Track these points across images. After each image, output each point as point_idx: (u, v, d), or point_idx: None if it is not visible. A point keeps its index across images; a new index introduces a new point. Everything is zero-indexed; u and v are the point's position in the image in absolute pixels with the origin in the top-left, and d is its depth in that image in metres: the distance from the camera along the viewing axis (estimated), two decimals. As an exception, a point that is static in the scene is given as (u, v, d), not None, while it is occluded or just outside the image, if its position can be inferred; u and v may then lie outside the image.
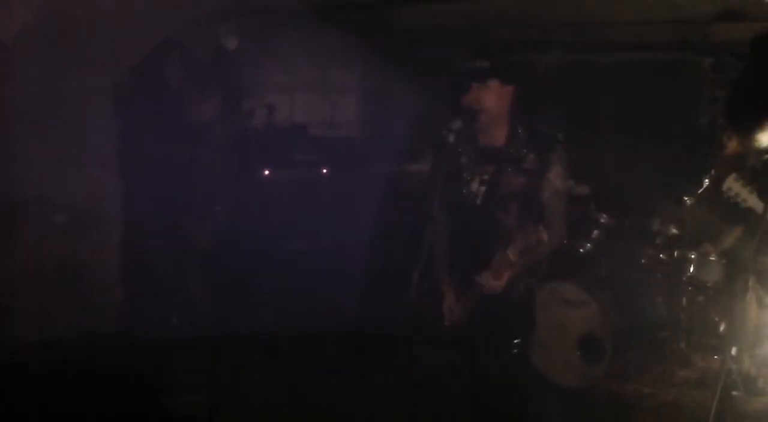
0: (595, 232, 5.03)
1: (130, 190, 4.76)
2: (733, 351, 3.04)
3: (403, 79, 5.99)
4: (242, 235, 5.13)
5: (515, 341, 3.33)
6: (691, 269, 4.65)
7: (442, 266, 3.44)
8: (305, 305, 4.96)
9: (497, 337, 3.35)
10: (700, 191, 4.67)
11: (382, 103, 6.05)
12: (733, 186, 3.62)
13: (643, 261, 4.89)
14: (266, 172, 5.13)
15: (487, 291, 3.21)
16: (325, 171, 5.44)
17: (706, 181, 4.61)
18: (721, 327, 3.43)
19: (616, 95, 6.06)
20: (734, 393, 3.93)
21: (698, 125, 5.84)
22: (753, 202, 3.53)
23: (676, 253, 4.81)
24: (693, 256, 4.65)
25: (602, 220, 5.03)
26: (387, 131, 5.66)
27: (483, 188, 3.32)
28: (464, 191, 3.35)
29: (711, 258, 4.58)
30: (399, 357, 3.87)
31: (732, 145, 4.85)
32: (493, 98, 3.27)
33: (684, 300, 4.65)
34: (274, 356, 4.61)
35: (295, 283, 5.06)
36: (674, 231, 4.87)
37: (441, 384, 3.56)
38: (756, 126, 3.92)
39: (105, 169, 4.72)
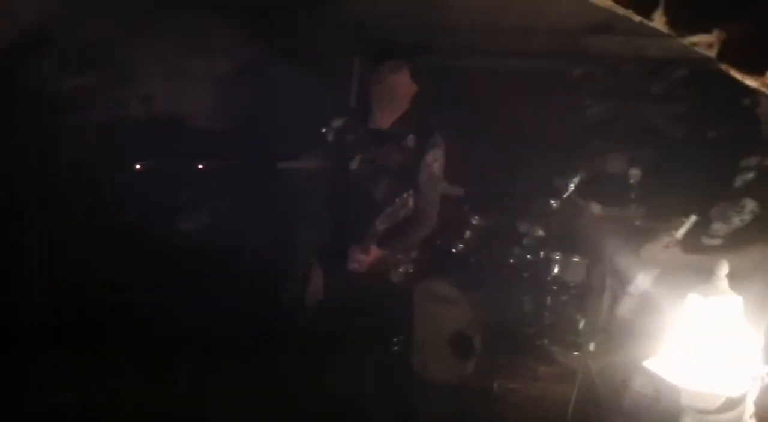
0: (468, 233, 5.18)
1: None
2: (591, 347, 3.19)
3: (289, 73, 5.94)
4: (116, 228, 4.95)
5: (395, 339, 3.39)
6: (555, 269, 4.85)
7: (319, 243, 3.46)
8: (181, 301, 4.84)
9: (376, 335, 3.41)
10: (565, 195, 4.88)
11: (266, 97, 5.98)
12: None
13: (511, 261, 5.07)
14: (138, 166, 4.98)
15: (353, 266, 3.23)
16: (203, 165, 5.32)
17: (572, 185, 4.82)
18: (581, 325, 3.59)
19: (493, 100, 6.22)
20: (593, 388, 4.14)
21: (567, 131, 6.07)
22: None
23: (541, 254, 5.03)
24: (557, 257, 4.86)
25: (474, 221, 5.18)
26: (269, 125, 5.60)
27: (363, 166, 3.36)
28: (345, 169, 3.38)
29: (574, 259, 4.79)
30: (276, 355, 3.88)
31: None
32: (396, 78, 3.33)
33: (548, 299, 4.85)
34: (150, 353, 4.49)
35: (171, 279, 4.92)
36: (540, 233, 5.07)
37: (315, 384, 3.58)
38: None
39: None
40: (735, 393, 2.39)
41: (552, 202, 4.90)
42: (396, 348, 3.38)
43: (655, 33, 2.09)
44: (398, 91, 3.36)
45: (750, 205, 3.42)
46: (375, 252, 3.20)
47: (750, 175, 3.48)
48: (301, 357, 3.62)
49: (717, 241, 3.48)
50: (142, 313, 4.71)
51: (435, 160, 3.32)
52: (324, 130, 3.34)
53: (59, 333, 4.52)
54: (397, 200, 3.13)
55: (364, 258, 3.22)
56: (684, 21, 1.95)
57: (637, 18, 2.04)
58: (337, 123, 3.31)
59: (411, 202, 3.15)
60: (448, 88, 6.14)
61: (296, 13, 5.46)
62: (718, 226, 3.49)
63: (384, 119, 3.39)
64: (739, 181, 3.47)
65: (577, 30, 5.59)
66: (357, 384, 3.47)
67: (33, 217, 4.80)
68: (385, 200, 3.26)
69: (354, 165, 3.36)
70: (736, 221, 3.44)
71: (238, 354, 4.49)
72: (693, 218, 3.09)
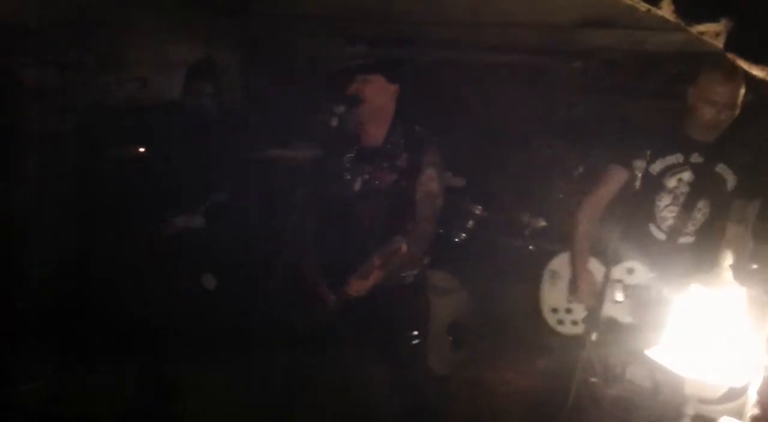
0: (470, 223, 5.18)
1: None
2: (593, 337, 3.19)
3: (283, 62, 5.93)
4: (98, 214, 4.90)
5: (414, 333, 3.41)
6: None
7: (314, 260, 3.47)
8: (168, 296, 4.79)
9: (392, 331, 3.42)
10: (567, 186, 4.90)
11: (261, 85, 5.97)
12: None
13: (513, 251, 5.08)
14: (141, 150, 4.91)
15: (353, 292, 3.26)
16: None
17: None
18: (582, 316, 3.60)
19: (491, 94, 6.22)
20: (592, 379, 4.15)
21: (561, 125, 6.09)
22: None
23: (543, 245, 5.04)
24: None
25: (476, 212, 5.18)
26: (264, 113, 5.58)
27: (362, 187, 3.37)
28: (346, 190, 3.39)
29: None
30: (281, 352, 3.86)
31: None
32: (374, 92, 3.30)
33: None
34: (126, 344, 4.46)
35: (155, 273, 4.86)
36: (542, 223, 5.08)
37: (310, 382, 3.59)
38: None
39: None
40: (738, 383, 2.40)
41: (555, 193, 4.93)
42: (415, 342, 3.40)
43: (655, 26, 2.09)
44: (379, 99, 3.35)
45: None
46: (375, 276, 3.21)
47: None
48: (311, 354, 3.60)
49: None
50: (125, 304, 4.67)
51: (431, 179, 3.32)
52: (326, 117, 3.31)
53: (36, 320, 4.52)
54: (394, 240, 3.15)
55: (364, 284, 3.23)
56: (691, 10, 1.95)
57: (644, 7, 2.03)
58: (340, 109, 3.28)
59: (404, 248, 3.15)
60: (440, 82, 6.16)
61: (277, 5, 5.45)
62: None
63: (374, 135, 3.38)
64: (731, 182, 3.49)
65: (568, 24, 5.60)
66: (371, 380, 3.49)
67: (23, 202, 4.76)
68: (383, 221, 3.29)
69: (357, 186, 3.37)
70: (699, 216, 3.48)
71: (238, 352, 4.48)
72: None
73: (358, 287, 3.24)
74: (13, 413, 3.89)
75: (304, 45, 5.95)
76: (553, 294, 3.76)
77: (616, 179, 3.50)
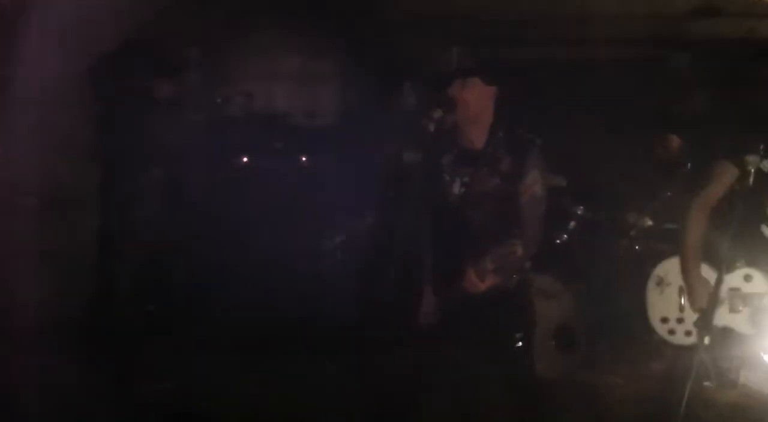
0: (572, 224, 5.08)
1: (107, 177, 4.74)
2: (706, 341, 3.07)
3: (381, 69, 5.98)
4: (220, 224, 5.09)
5: (517, 335, 3.38)
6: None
7: (424, 263, 3.47)
8: (283, 299, 4.92)
9: (498, 333, 3.40)
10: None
11: (361, 93, 6.04)
12: None
13: (618, 253, 4.95)
14: (244, 159, 5.09)
15: (467, 288, 3.23)
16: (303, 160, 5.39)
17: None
18: (694, 319, 3.46)
19: (593, 90, 6.10)
20: (705, 384, 4.00)
21: (672, 120, 5.90)
22: None
23: (650, 245, 4.88)
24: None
25: (579, 212, 5.07)
26: (365, 121, 5.66)
27: (463, 190, 3.35)
28: (445, 193, 3.38)
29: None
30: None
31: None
32: (472, 95, 3.29)
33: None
34: (249, 349, 4.60)
35: (273, 277, 5.01)
36: (649, 223, 4.92)
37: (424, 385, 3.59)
38: None
39: (79, 155, 4.68)
40: None
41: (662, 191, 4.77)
42: (518, 344, 3.36)
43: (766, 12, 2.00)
44: (477, 102, 3.31)
45: None
46: (491, 280, 3.20)
47: None
48: (414, 355, 3.62)
49: None
50: (244, 310, 4.81)
51: (535, 182, 3.28)
52: (424, 122, 3.32)
53: (160, 321, 4.73)
54: (509, 242, 3.12)
55: (479, 284, 3.22)
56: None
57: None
58: (438, 114, 3.27)
59: (519, 251, 3.13)
60: (543, 79, 6.07)
61: (383, 9, 5.49)
62: None
63: (475, 138, 3.36)
64: None
65: (680, 14, 5.41)
66: (482, 382, 3.47)
67: (142, 212, 4.98)
68: (487, 225, 3.27)
69: (456, 189, 3.36)
70: None
71: (341, 352, 4.54)
72: None
73: (473, 284, 3.22)
74: (145, 411, 4.05)
75: (407, 48, 5.99)
76: (662, 303, 3.63)
77: (725, 176, 3.34)
